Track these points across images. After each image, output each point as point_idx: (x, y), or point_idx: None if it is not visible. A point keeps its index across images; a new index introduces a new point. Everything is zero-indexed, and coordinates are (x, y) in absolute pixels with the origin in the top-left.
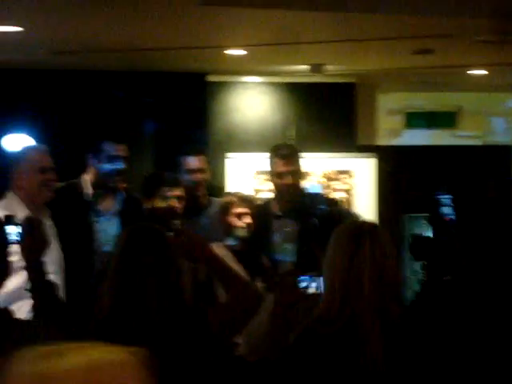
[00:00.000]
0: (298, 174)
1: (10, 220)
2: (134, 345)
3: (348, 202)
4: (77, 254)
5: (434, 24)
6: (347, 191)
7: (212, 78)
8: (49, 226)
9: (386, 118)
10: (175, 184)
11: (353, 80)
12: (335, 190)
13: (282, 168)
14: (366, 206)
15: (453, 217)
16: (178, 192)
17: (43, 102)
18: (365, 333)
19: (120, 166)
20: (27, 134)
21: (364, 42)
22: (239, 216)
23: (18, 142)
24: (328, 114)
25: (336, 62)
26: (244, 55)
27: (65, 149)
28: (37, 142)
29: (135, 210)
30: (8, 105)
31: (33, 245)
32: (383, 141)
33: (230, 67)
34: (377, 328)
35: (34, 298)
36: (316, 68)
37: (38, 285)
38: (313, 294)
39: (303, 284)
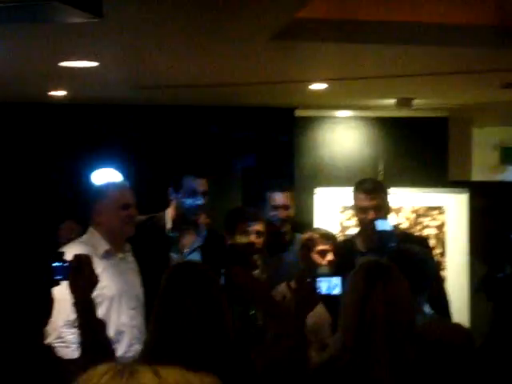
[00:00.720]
0: (382, 209)
1: (59, 257)
2: None
3: (438, 238)
4: (157, 290)
5: None
6: (438, 227)
7: (301, 113)
8: (131, 261)
9: (481, 152)
10: (255, 219)
11: (445, 114)
12: (425, 226)
13: (365, 203)
14: (457, 243)
15: None
16: (257, 227)
17: (133, 137)
18: (378, 373)
19: (200, 200)
20: (115, 168)
21: (452, 76)
22: (322, 253)
23: (106, 176)
24: (419, 149)
25: (425, 96)
26: (326, 89)
27: (152, 183)
28: (124, 177)
29: (217, 246)
30: (98, 140)
31: (81, 282)
32: (477, 176)
33: (316, 102)
34: (388, 368)
35: (81, 335)
36: (404, 102)
37: (86, 322)
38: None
39: (324, 284)
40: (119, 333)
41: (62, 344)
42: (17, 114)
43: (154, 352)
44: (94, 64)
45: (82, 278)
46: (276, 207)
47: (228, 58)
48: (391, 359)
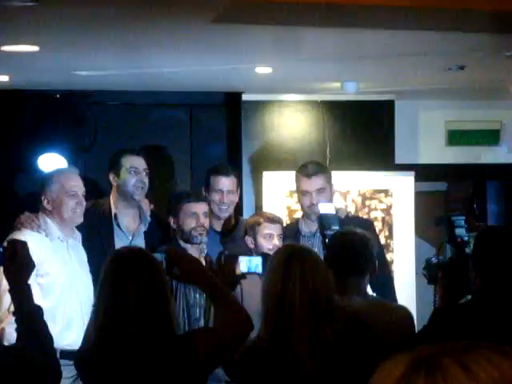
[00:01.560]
0: (324, 192)
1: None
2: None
3: (385, 221)
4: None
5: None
6: (385, 210)
7: (248, 97)
8: (79, 248)
9: (427, 135)
10: (200, 200)
11: (392, 97)
12: (372, 209)
13: (307, 186)
14: (404, 226)
15: (466, 238)
16: (202, 208)
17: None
18: (297, 353)
19: (141, 179)
20: (60, 154)
21: (398, 58)
22: (268, 237)
23: (53, 163)
24: (366, 132)
25: (370, 78)
26: (271, 73)
27: (96, 166)
28: (70, 162)
29: (161, 230)
30: (42, 124)
31: (16, 268)
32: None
33: (263, 86)
34: (307, 348)
35: (17, 321)
36: (350, 85)
37: (22, 308)
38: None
39: (243, 264)
40: (70, 319)
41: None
42: None
43: (98, 340)
44: (35, 48)
45: (17, 264)
46: (217, 191)
47: (171, 42)
48: (311, 339)
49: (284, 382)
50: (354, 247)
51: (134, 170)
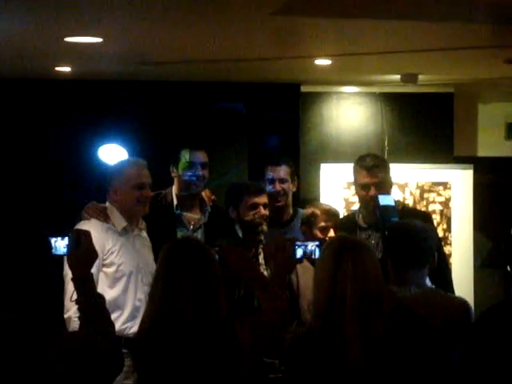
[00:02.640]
0: (383, 186)
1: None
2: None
3: (443, 214)
4: None
5: None
6: (443, 203)
7: (306, 89)
8: (145, 238)
9: (486, 128)
10: (259, 191)
11: (451, 90)
12: (430, 202)
13: (366, 179)
14: (462, 218)
15: None
16: (262, 199)
17: (137, 112)
18: (347, 345)
19: (198, 172)
20: (120, 145)
21: (457, 52)
22: (323, 230)
23: (113, 153)
24: (424, 125)
25: (430, 71)
26: (330, 65)
27: (157, 160)
28: (129, 152)
29: (221, 222)
30: (103, 116)
31: (80, 257)
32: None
33: (322, 77)
34: (357, 340)
35: (79, 309)
36: (409, 77)
37: (84, 297)
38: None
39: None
40: (136, 309)
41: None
42: (23, 91)
43: (152, 327)
44: (98, 40)
45: (81, 253)
46: (271, 181)
47: (230, 33)
48: (361, 334)
49: (334, 374)
50: (414, 239)
51: (193, 163)
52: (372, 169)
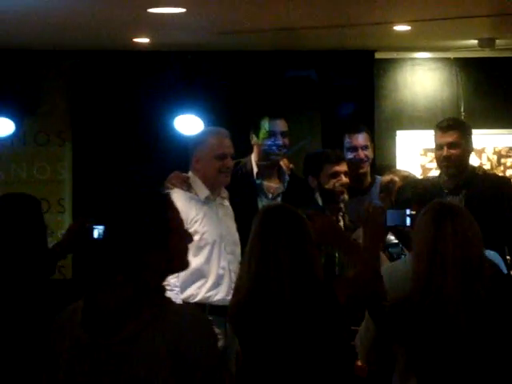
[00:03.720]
0: (458, 147)
1: None
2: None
3: None
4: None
5: None
6: None
7: (380, 55)
8: (227, 206)
9: None
10: (340, 160)
11: None
12: (508, 167)
13: (440, 139)
14: None
15: None
16: (343, 167)
17: (211, 83)
18: (449, 311)
19: (279, 141)
20: (197, 115)
21: None
22: None
23: (189, 123)
24: (501, 90)
25: (507, 35)
26: (409, 31)
27: (235, 129)
28: (205, 123)
29: (300, 190)
30: (179, 86)
31: None
32: None
33: (398, 44)
34: (460, 307)
35: None
36: (486, 42)
37: None
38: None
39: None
40: (220, 277)
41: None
42: (101, 62)
43: (250, 293)
44: (182, 10)
45: None
46: (353, 148)
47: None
48: (463, 297)
49: (437, 340)
50: None
51: (273, 132)
52: (446, 129)
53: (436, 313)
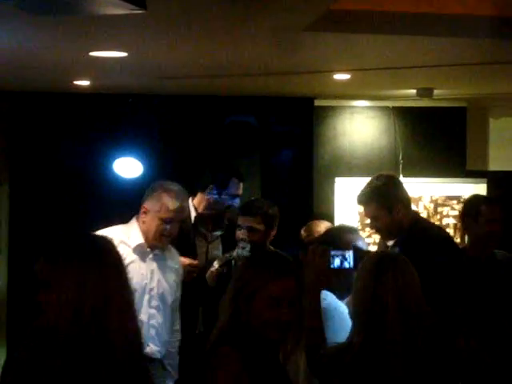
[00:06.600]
0: (379, 219)
1: None
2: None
3: (457, 227)
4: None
5: None
6: (457, 217)
7: (320, 103)
8: (169, 259)
9: (498, 142)
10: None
11: (463, 104)
12: (444, 216)
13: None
14: None
15: None
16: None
17: (151, 126)
18: (389, 358)
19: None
20: (136, 158)
21: (471, 67)
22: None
23: (128, 166)
24: (438, 139)
25: (445, 86)
26: (349, 79)
27: (174, 173)
28: (145, 166)
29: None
30: (118, 129)
31: None
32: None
33: (337, 92)
34: (400, 353)
35: None
36: (425, 92)
37: None
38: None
39: (336, 258)
40: None
41: None
42: (40, 104)
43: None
44: (123, 54)
45: None
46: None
47: (260, 48)
48: (403, 345)
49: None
50: None
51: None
52: (360, 203)
53: (375, 361)
